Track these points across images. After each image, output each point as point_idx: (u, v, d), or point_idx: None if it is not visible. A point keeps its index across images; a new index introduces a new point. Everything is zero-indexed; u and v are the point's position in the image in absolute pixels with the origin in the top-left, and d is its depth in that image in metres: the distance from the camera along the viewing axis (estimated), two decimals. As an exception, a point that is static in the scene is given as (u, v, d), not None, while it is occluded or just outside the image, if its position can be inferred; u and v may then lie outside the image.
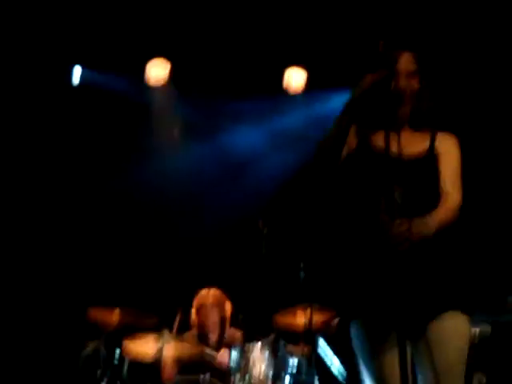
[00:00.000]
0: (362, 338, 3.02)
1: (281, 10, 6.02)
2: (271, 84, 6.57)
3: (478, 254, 3.86)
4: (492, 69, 6.25)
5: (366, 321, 3.00)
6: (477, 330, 5.28)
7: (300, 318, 5.63)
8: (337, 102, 5.97)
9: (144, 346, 5.53)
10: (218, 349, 5.54)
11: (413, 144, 3.04)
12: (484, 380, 5.07)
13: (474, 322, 5.20)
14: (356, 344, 3.05)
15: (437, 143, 3.06)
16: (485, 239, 6.18)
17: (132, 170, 6.72)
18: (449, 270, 2.95)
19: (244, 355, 5.25)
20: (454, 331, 2.91)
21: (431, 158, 3.03)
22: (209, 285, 5.95)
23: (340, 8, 5.92)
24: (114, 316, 5.59)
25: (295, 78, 6.52)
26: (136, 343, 5.55)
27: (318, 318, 5.54)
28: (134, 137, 6.85)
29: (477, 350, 5.19)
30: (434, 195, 2.99)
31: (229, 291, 5.96)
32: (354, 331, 3.06)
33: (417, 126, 3.10)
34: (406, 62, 3.04)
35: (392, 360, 2.87)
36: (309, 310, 5.46)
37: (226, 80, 6.51)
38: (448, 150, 3.05)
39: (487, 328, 5.28)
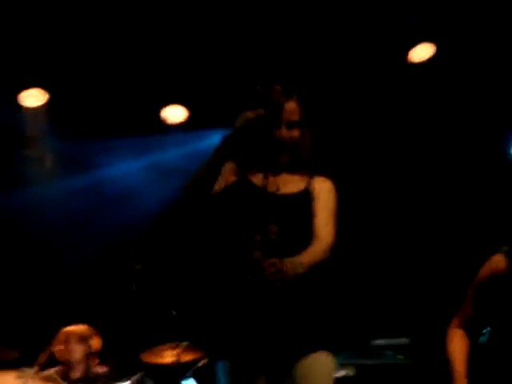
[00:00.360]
0: (227, 380, 3.00)
1: (162, 45, 6.03)
2: (150, 120, 6.55)
3: (344, 296, 3.96)
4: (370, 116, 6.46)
5: (232, 362, 2.98)
6: (342, 372, 5.39)
7: (167, 358, 5.59)
8: (216, 139, 6.04)
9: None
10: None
11: (290, 184, 3.09)
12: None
13: (338, 364, 5.38)
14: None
15: (313, 184, 3.11)
16: (351, 283, 6.34)
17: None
18: (314, 311, 2.98)
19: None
20: (320, 369, 2.94)
21: (306, 196, 3.07)
22: (76, 320, 5.81)
23: (224, 46, 5.98)
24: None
25: (174, 116, 6.53)
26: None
27: (187, 357, 5.51)
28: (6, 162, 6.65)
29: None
30: (308, 234, 3.01)
31: (98, 327, 5.83)
32: (220, 372, 3.04)
33: (295, 170, 3.14)
34: (289, 111, 3.05)
35: None
36: (178, 349, 5.44)
37: (104, 115, 6.44)
38: (323, 191, 3.11)
39: (352, 371, 5.40)
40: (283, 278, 2.72)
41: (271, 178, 3.00)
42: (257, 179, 3.05)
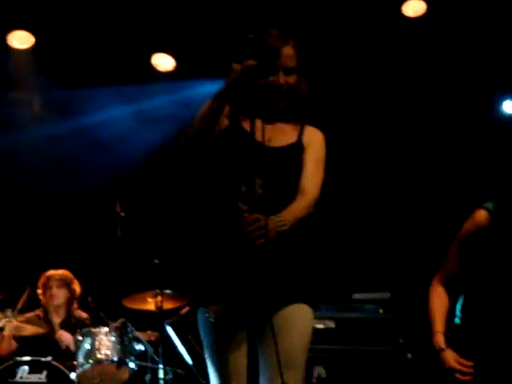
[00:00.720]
0: (208, 329, 3.01)
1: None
2: (139, 68, 6.48)
3: (326, 250, 3.97)
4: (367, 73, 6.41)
5: (213, 310, 2.99)
6: (321, 324, 5.44)
7: (150, 304, 5.62)
8: (205, 88, 6.02)
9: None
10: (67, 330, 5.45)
11: (281, 135, 3.06)
12: (324, 374, 5.22)
13: (319, 317, 5.42)
14: (203, 335, 3.05)
15: (304, 136, 3.09)
16: (333, 236, 6.36)
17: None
18: (296, 264, 2.99)
19: (90, 338, 5.19)
20: (298, 318, 2.96)
21: (296, 149, 3.06)
22: (60, 264, 5.83)
23: None
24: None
25: (163, 63, 6.47)
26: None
27: (169, 305, 5.55)
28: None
29: (319, 344, 5.36)
30: (296, 187, 3.01)
31: (80, 273, 5.85)
32: (200, 321, 3.05)
33: (288, 119, 3.11)
34: (286, 57, 3.00)
35: (239, 358, 2.88)
36: (159, 297, 5.46)
37: (93, 60, 6.36)
38: (313, 143, 3.09)
39: (331, 324, 5.44)
40: (266, 235, 2.72)
41: (263, 127, 2.92)
42: (249, 126, 2.94)
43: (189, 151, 2.98)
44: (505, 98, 6.61)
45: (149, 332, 5.64)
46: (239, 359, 2.87)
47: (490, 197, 3.53)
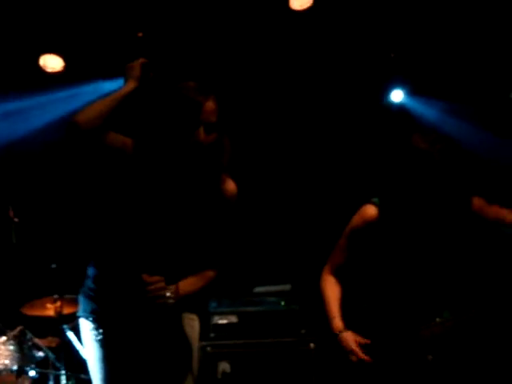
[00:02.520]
0: (93, 338, 3.01)
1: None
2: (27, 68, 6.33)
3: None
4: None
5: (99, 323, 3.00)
6: (224, 320, 5.47)
7: (49, 310, 5.52)
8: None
9: None
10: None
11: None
12: (229, 369, 5.26)
13: (221, 313, 5.45)
14: (86, 343, 3.06)
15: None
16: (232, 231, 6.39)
17: None
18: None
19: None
20: (186, 330, 3.06)
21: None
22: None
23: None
24: None
25: (52, 64, 6.33)
26: None
27: (69, 310, 5.46)
28: None
29: (222, 339, 5.39)
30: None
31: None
32: (85, 331, 3.06)
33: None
34: (208, 112, 2.85)
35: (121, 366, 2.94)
36: (58, 302, 5.38)
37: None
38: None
39: (234, 319, 5.48)
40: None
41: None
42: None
43: (82, 135, 2.78)
44: (393, 88, 6.79)
45: (49, 338, 5.54)
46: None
47: (377, 190, 3.63)
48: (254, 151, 6.63)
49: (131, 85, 2.92)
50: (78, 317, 3.06)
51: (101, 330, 2.96)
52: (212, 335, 5.42)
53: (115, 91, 2.92)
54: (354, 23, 6.11)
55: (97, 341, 2.97)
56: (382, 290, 3.57)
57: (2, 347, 5.09)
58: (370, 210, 3.55)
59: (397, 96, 6.76)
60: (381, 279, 3.56)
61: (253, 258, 6.55)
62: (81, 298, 3.06)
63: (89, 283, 3.03)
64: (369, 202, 3.58)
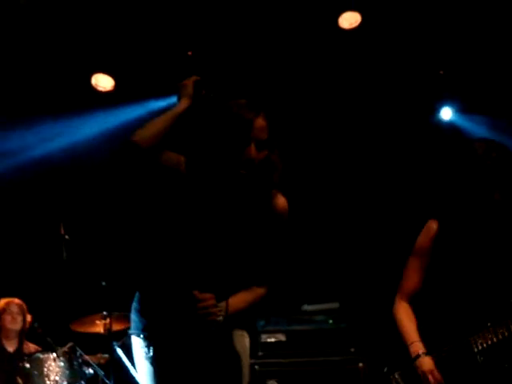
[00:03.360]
0: (147, 361, 3.01)
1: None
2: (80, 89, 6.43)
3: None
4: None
5: (148, 336, 3.00)
6: (272, 338, 5.45)
7: (99, 327, 5.56)
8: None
9: None
10: (17, 360, 5.30)
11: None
12: (276, 387, 5.24)
13: (269, 331, 5.44)
14: (137, 359, 3.05)
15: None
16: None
17: None
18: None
19: (38, 366, 5.10)
20: (237, 347, 3.02)
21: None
22: (7, 291, 5.71)
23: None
24: None
25: (103, 84, 6.42)
26: None
27: (118, 327, 5.49)
28: None
29: (270, 358, 5.37)
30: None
31: (25, 298, 5.74)
32: (137, 349, 3.04)
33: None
34: (258, 129, 2.84)
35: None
36: (108, 319, 5.40)
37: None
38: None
39: (282, 337, 5.46)
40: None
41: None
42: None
43: (141, 154, 2.82)
44: (442, 106, 6.74)
45: (99, 355, 5.56)
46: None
47: (436, 207, 3.61)
48: (306, 168, 6.62)
49: (185, 103, 2.94)
50: (130, 334, 3.06)
51: (152, 348, 2.96)
52: (260, 353, 5.41)
53: (170, 110, 2.94)
54: (402, 41, 6.10)
55: (148, 358, 2.97)
56: (454, 308, 3.47)
57: (53, 364, 5.13)
58: (433, 225, 3.51)
59: (446, 114, 6.72)
60: (452, 296, 3.48)
61: (301, 275, 6.53)
62: (132, 316, 3.07)
63: (140, 300, 3.05)
64: (432, 217, 3.54)
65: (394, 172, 6.70)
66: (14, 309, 5.51)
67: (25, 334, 5.60)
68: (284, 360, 5.38)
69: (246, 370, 3.03)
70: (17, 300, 5.59)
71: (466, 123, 6.69)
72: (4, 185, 6.51)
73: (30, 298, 5.78)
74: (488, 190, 3.33)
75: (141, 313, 3.02)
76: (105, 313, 5.41)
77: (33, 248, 6.67)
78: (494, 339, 3.32)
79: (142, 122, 2.91)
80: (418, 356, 3.44)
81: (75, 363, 5.24)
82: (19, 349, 5.51)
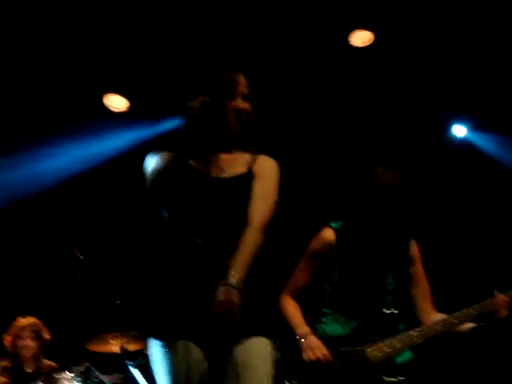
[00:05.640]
0: (168, 366, 2.95)
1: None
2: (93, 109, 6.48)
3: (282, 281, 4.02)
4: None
5: (170, 344, 2.93)
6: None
7: (114, 346, 5.56)
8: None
9: None
10: (34, 380, 5.30)
11: (232, 165, 3.08)
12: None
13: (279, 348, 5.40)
14: (155, 364, 2.99)
15: (255, 165, 3.09)
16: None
17: None
18: (252, 296, 2.96)
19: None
20: (259, 353, 2.95)
21: (249, 178, 3.06)
22: (21, 310, 5.72)
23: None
24: None
25: (116, 104, 6.47)
26: None
27: (133, 347, 5.49)
28: None
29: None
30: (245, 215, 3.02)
31: (43, 319, 5.75)
32: (158, 357, 2.98)
33: (240, 148, 3.13)
34: (242, 85, 3.09)
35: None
36: (123, 338, 5.41)
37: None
38: (263, 172, 3.09)
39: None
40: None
41: (214, 158, 3.04)
42: (194, 162, 3.06)
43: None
44: (454, 122, 6.74)
45: (114, 375, 5.56)
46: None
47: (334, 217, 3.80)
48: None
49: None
50: (147, 337, 3.05)
51: (169, 348, 2.95)
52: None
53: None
54: (414, 58, 6.12)
55: (166, 359, 2.97)
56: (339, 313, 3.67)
57: (68, 383, 5.14)
58: (329, 234, 3.70)
59: (459, 131, 6.72)
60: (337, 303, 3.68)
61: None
62: (148, 317, 3.07)
63: (155, 301, 3.04)
64: (328, 226, 3.74)
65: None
66: (27, 334, 5.44)
67: (43, 353, 5.56)
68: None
69: (268, 372, 2.96)
70: (31, 321, 5.53)
71: (479, 140, 6.69)
72: (19, 205, 6.57)
73: (46, 317, 5.78)
74: (382, 216, 3.61)
75: (156, 313, 3.01)
76: (120, 332, 5.42)
77: (48, 268, 6.71)
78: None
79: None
80: (307, 334, 3.59)
81: (90, 383, 5.24)
82: (37, 369, 5.49)
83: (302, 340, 3.59)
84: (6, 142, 6.41)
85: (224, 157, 3.08)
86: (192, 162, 3.08)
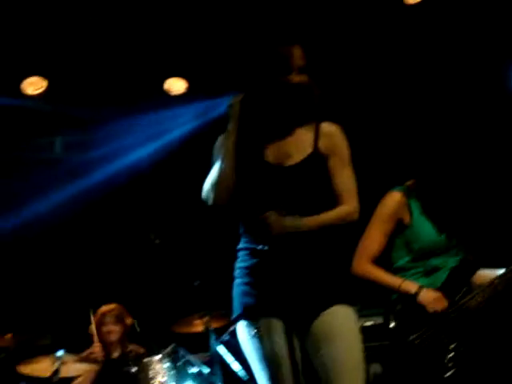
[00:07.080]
0: (256, 343, 3.00)
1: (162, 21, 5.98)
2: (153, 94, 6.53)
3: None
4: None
5: (254, 321, 2.99)
6: (370, 321, 5.42)
7: (198, 326, 5.63)
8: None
9: (39, 369, 5.38)
10: (122, 365, 5.42)
11: (297, 145, 3.08)
12: (380, 370, 5.20)
13: (366, 315, 5.40)
14: (250, 350, 3.04)
15: (321, 140, 3.09)
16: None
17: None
18: (333, 265, 3.01)
19: (144, 369, 5.20)
20: (342, 326, 2.96)
21: (316, 159, 3.06)
22: (104, 299, 5.84)
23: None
24: (6, 341, 5.44)
25: (176, 87, 6.50)
26: (31, 367, 5.39)
27: (217, 324, 5.55)
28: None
29: (370, 341, 5.32)
30: (326, 196, 3.04)
31: (124, 304, 5.86)
32: (245, 336, 3.05)
33: (301, 123, 3.13)
34: (297, 57, 3.06)
35: (288, 367, 2.88)
36: (206, 318, 5.47)
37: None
38: (333, 145, 3.09)
39: (380, 320, 5.42)
40: (269, 230, 2.86)
41: (277, 146, 3.06)
42: (265, 151, 3.08)
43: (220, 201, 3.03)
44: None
45: (200, 354, 5.64)
46: (288, 368, 2.87)
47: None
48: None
49: (232, 128, 3.05)
50: (233, 320, 3.08)
51: (257, 326, 2.98)
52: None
53: (223, 147, 3.05)
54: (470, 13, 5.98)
55: (254, 338, 2.99)
56: None
57: (158, 366, 5.23)
58: (399, 196, 3.76)
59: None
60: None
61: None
62: (234, 298, 3.11)
63: (240, 281, 3.08)
64: (393, 189, 3.81)
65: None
66: (110, 319, 5.57)
67: (127, 338, 5.69)
68: (385, 343, 5.32)
69: (345, 349, 2.96)
70: (113, 306, 5.66)
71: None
72: (98, 193, 6.68)
73: (130, 304, 5.89)
74: None
75: (242, 293, 3.05)
76: (202, 312, 5.48)
77: (126, 254, 6.82)
78: None
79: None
80: (421, 288, 3.63)
81: (179, 363, 5.33)
82: (123, 354, 5.62)
83: (421, 294, 3.62)
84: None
85: (288, 140, 3.09)
86: (258, 151, 3.09)
